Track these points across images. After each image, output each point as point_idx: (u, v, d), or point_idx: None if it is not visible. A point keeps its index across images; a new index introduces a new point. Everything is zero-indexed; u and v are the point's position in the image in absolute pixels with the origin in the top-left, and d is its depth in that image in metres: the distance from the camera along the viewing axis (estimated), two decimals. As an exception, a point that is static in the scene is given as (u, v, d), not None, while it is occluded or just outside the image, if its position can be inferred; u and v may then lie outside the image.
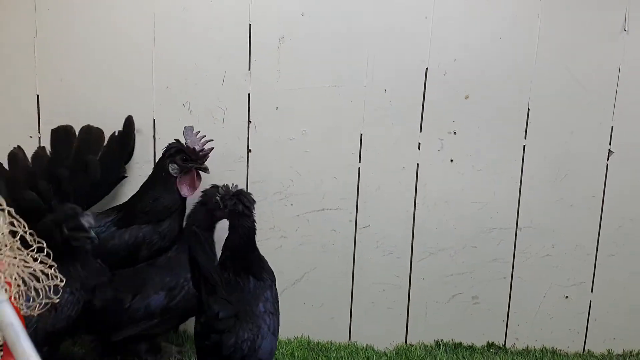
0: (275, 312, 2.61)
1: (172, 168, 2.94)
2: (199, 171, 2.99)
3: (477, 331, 3.50)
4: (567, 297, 3.48)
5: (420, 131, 3.29)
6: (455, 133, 3.30)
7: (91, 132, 3.09)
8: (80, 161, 2.98)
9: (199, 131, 2.99)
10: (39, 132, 3.25)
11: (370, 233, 3.38)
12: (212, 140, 3.00)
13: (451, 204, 3.35)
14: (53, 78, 3.23)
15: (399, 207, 3.35)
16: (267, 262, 2.76)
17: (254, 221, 2.69)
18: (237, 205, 2.63)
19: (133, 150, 3.23)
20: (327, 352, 3.31)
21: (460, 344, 3.50)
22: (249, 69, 3.22)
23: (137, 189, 3.07)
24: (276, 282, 2.75)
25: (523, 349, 3.53)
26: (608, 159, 3.34)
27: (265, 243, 3.36)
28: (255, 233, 2.70)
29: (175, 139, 3.00)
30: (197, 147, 2.94)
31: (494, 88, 3.26)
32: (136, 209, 2.97)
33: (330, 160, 3.28)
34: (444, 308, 3.47)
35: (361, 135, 3.28)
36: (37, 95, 3.24)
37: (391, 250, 3.38)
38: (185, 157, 2.91)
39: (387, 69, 3.23)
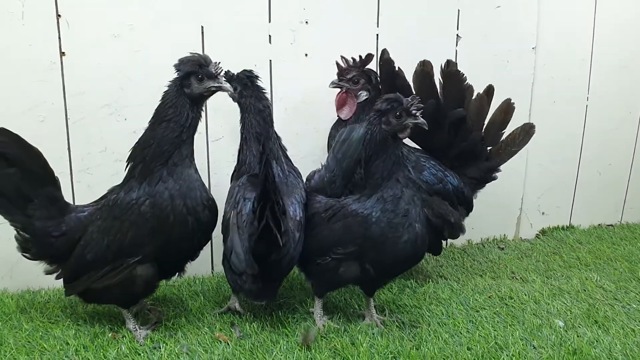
0: None
1: None
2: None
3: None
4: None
5: (270, 21, 2.88)
6: (307, 22, 2.95)
7: None
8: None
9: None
10: None
11: (222, 146, 2.93)
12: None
13: (310, 104, 3.03)
14: None
15: (253, 112, 2.93)
16: None
17: None
18: None
19: None
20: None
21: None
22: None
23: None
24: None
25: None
26: (457, 45, 3.28)
27: (98, 170, 2.75)
28: None
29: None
30: None
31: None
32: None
33: (167, 60, 2.64)
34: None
35: (202, 28, 2.77)
36: None
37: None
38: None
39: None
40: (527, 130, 2.96)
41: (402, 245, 2.27)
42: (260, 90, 2.52)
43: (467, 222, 3.13)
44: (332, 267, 2.36)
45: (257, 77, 2.53)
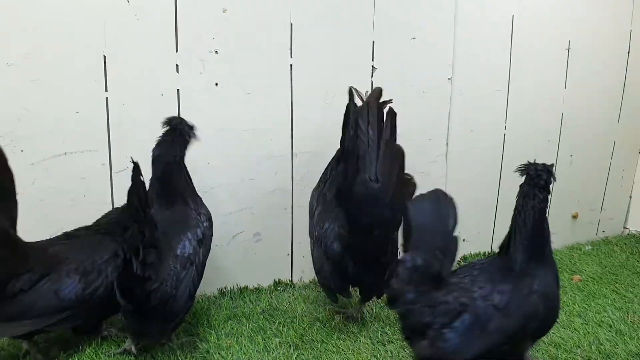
0: None
1: None
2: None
3: (263, 270, 3.24)
4: (347, 221, 3.39)
5: (177, 51, 2.83)
6: (217, 52, 2.91)
7: None
8: None
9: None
10: None
11: (126, 178, 2.82)
12: None
13: (222, 133, 2.98)
14: None
15: (162, 142, 2.86)
16: None
17: None
18: None
19: None
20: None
21: (246, 288, 3.20)
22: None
23: None
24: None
25: (310, 282, 3.37)
26: (372, 76, 3.29)
27: (-9, 204, 2.62)
28: None
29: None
30: None
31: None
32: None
33: (68, 89, 2.64)
34: (225, 251, 3.13)
35: (104, 57, 2.69)
36: None
37: (158, 194, 2.89)
38: None
39: (128, -24, 2.69)
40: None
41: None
42: (173, 141, 2.51)
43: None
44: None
45: (176, 128, 2.52)
